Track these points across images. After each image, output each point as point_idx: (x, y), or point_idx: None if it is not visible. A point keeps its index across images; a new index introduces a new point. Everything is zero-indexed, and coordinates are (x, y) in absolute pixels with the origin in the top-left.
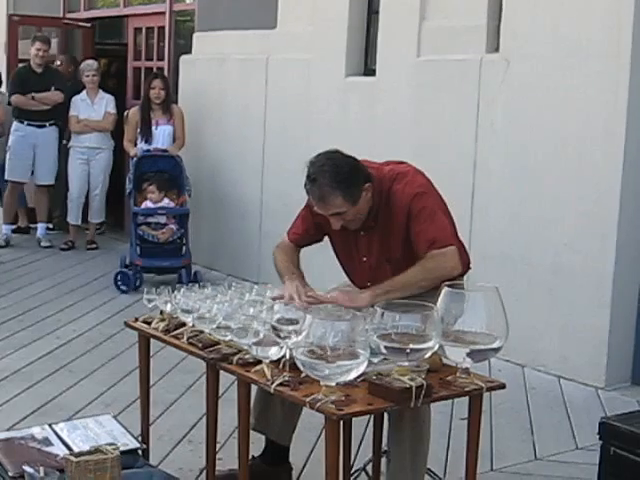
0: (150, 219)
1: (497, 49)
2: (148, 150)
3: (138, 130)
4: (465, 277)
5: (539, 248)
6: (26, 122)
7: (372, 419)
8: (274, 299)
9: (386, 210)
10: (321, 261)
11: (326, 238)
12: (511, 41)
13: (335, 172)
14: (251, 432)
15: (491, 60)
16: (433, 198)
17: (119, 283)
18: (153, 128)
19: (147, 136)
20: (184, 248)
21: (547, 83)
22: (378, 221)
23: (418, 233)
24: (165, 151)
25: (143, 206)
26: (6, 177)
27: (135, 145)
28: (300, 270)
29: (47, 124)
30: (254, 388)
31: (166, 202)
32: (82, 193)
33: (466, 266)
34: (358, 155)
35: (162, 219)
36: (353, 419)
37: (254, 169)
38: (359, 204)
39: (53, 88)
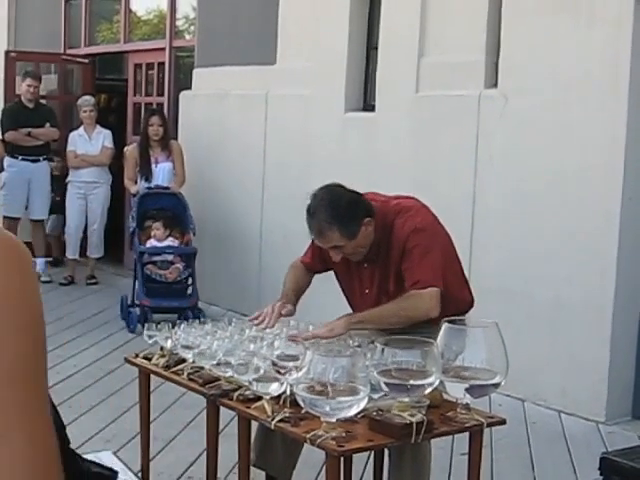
0: (156, 257)
1: (495, 85)
2: (150, 187)
3: (137, 168)
4: (467, 314)
5: (539, 282)
6: (20, 157)
7: (373, 455)
8: (251, 320)
9: (387, 244)
10: (323, 294)
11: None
12: (509, 77)
13: (332, 207)
14: (251, 468)
15: (489, 95)
16: (431, 236)
17: (131, 326)
18: (153, 166)
19: (147, 174)
20: (191, 288)
21: (545, 118)
22: (379, 254)
23: (405, 270)
24: (167, 188)
25: (148, 244)
26: (3, 213)
27: (135, 183)
28: (296, 294)
29: (41, 159)
30: (254, 424)
31: (170, 240)
32: (80, 228)
33: (469, 305)
34: (357, 189)
35: (169, 257)
36: (354, 455)
37: (254, 204)
38: (357, 238)
39: (48, 125)
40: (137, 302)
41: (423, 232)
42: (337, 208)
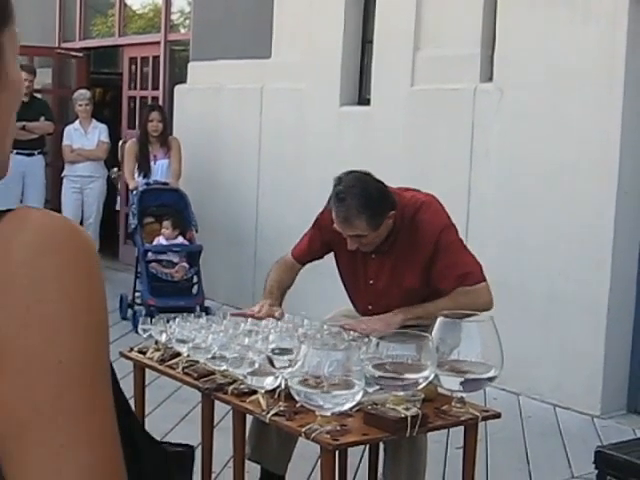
0: (161, 256)
1: (491, 78)
2: (149, 183)
3: (136, 164)
4: None
5: (534, 276)
6: (15, 151)
7: (368, 449)
8: (234, 315)
9: (407, 238)
10: (316, 289)
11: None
12: (505, 70)
13: (366, 196)
14: (246, 462)
15: (485, 89)
16: (457, 231)
17: (137, 326)
18: (152, 163)
19: (145, 171)
20: (197, 287)
21: (541, 111)
22: (394, 246)
23: (448, 266)
24: (166, 184)
25: (155, 242)
26: None
27: (134, 178)
28: (281, 292)
29: (35, 152)
30: (249, 418)
31: (180, 240)
32: (76, 222)
33: None
34: None
35: (174, 257)
36: (349, 449)
37: (249, 198)
38: (380, 230)
39: (43, 118)
40: (138, 301)
41: (453, 228)
42: (369, 198)
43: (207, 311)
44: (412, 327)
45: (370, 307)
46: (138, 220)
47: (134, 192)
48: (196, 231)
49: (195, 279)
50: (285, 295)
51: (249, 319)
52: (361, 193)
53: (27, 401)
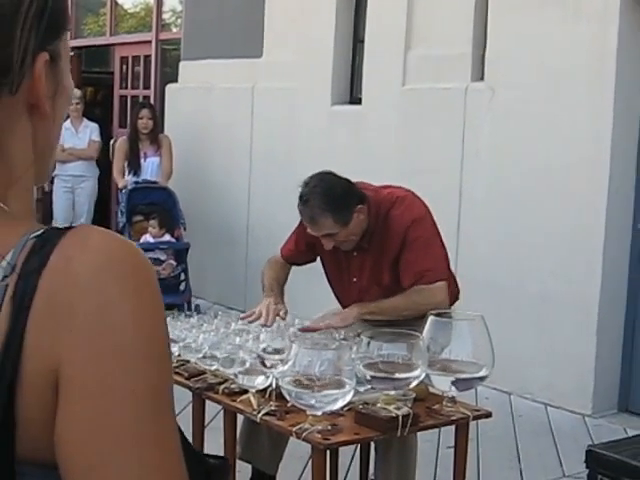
0: (149, 254)
1: (482, 77)
2: (138, 182)
3: (126, 162)
4: (452, 306)
5: (525, 276)
6: None
7: (359, 448)
8: (243, 318)
9: (382, 233)
10: (306, 289)
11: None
12: (496, 69)
13: (326, 194)
14: (238, 461)
15: (476, 88)
16: (430, 227)
17: None
18: (141, 160)
19: (135, 168)
20: (184, 284)
21: (532, 111)
22: (372, 243)
23: (409, 262)
24: (155, 183)
25: (142, 240)
26: None
27: (123, 177)
28: (281, 288)
29: None
30: (240, 417)
31: (167, 237)
32: (67, 221)
33: (455, 297)
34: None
35: (162, 254)
36: (340, 448)
37: (240, 197)
38: (351, 226)
39: None
40: None
41: (423, 222)
42: (330, 195)
43: (196, 309)
44: (402, 326)
45: None
46: (127, 218)
47: (123, 191)
48: (184, 229)
49: (182, 276)
50: (284, 291)
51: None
52: (323, 192)
53: (104, 432)
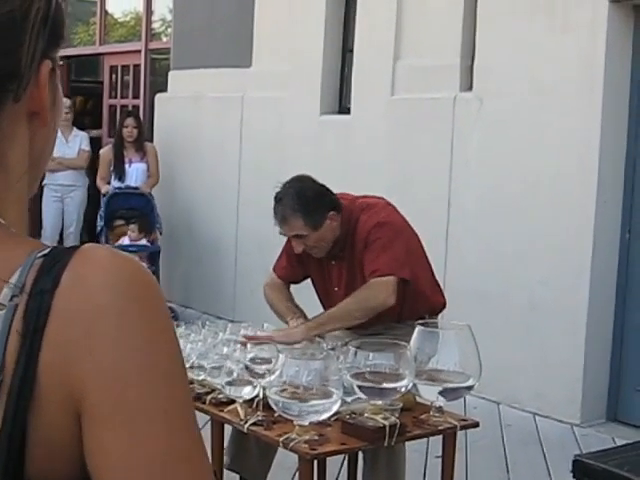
0: None
1: (470, 87)
2: (120, 187)
3: (111, 168)
4: (440, 316)
5: (514, 285)
6: None
7: (347, 458)
8: (250, 339)
9: (352, 240)
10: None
11: None
12: (484, 79)
13: (299, 195)
14: (226, 472)
15: (465, 98)
16: (393, 230)
17: None
18: (126, 166)
19: (120, 174)
20: None
21: (520, 121)
22: (346, 251)
23: (366, 262)
24: (136, 188)
25: (119, 243)
26: None
27: (109, 183)
28: (299, 308)
29: None
30: (228, 427)
31: (144, 242)
32: (56, 231)
33: (441, 307)
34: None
35: (135, 257)
36: (328, 458)
37: (229, 206)
38: (321, 230)
39: None
40: None
41: (385, 226)
42: (303, 197)
43: (173, 314)
44: (389, 335)
45: None
46: (108, 222)
47: (105, 196)
48: (160, 233)
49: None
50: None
51: (227, 329)
52: (296, 193)
53: (142, 456)
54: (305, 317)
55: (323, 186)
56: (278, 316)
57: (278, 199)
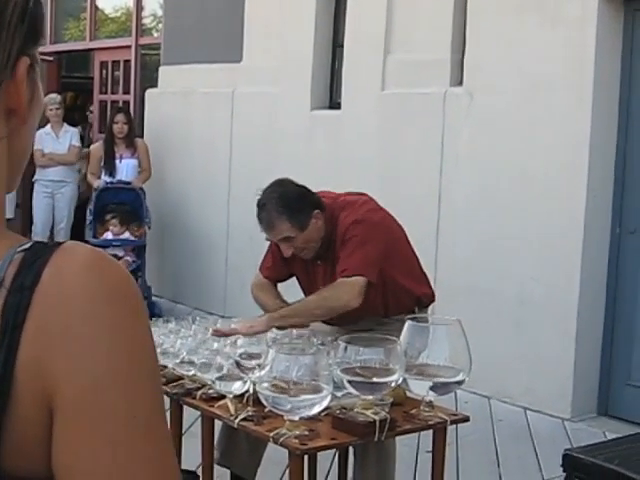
0: (108, 251)
1: (461, 82)
2: (111, 182)
3: (102, 164)
4: (430, 310)
5: (505, 280)
6: None
7: (337, 453)
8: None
9: (333, 239)
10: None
11: None
12: (475, 74)
13: (282, 197)
14: (216, 467)
15: (455, 93)
16: (370, 228)
17: None
18: (117, 162)
19: (111, 170)
20: (140, 280)
21: (511, 116)
22: (330, 250)
23: (339, 260)
24: (128, 183)
25: (103, 238)
26: None
27: (99, 178)
28: (288, 303)
29: None
30: (218, 423)
31: (127, 235)
32: (47, 227)
33: (429, 300)
34: (323, 187)
35: (119, 251)
36: (319, 453)
37: (220, 202)
38: (307, 231)
39: None
40: None
41: (361, 224)
42: (286, 199)
43: (155, 307)
44: (379, 331)
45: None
46: (99, 216)
47: (95, 190)
48: (149, 228)
49: (138, 274)
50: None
51: (218, 324)
52: (279, 197)
53: (104, 458)
54: None
55: (304, 187)
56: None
57: (261, 205)
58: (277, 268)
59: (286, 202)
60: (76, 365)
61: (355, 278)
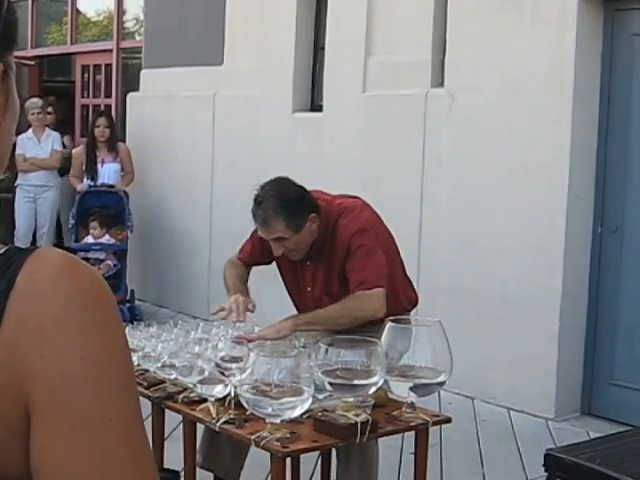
0: (89, 255)
1: (442, 84)
2: (95, 185)
3: (83, 168)
4: (413, 311)
5: (487, 280)
6: None
7: (320, 456)
8: (214, 314)
9: (331, 243)
10: (269, 295)
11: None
12: (456, 75)
13: (281, 197)
14: (199, 470)
15: (436, 94)
16: (375, 236)
17: None
18: (99, 166)
19: (92, 174)
20: (121, 284)
21: (492, 117)
22: (323, 253)
23: (351, 271)
24: (112, 187)
25: (84, 242)
26: None
27: (81, 182)
28: (246, 286)
29: None
30: (201, 426)
31: (107, 238)
32: (29, 231)
33: (413, 303)
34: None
35: (101, 255)
36: (302, 456)
37: (202, 205)
38: (302, 233)
39: None
40: None
41: (367, 232)
42: (285, 199)
43: (136, 311)
44: (360, 332)
45: None
46: (81, 220)
47: (78, 194)
48: (131, 231)
49: (120, 276)
50: (248, 288)
51: (199, 328)
52: (278, 195)
53: (80, 461)
54: (246, 294)
55: (302, 188)
56: (226, 290)
57: (258, 202)
58: (254, 257)
59: (284, 202)
60: (50, 366)
61: (376, 290)
